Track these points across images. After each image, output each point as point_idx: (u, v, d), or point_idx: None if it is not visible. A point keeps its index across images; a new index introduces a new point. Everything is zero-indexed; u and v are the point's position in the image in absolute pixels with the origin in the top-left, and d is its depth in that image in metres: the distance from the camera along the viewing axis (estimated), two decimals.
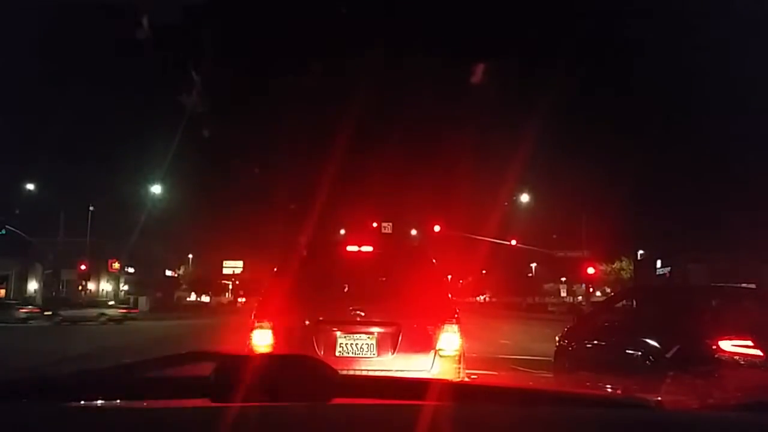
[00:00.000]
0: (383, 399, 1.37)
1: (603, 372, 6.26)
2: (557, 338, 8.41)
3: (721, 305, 6.85)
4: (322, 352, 4.76)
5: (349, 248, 5.67)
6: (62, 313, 30.71)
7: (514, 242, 37.15)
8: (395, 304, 5.05)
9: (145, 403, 1.42)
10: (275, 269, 5.86)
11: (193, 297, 63.11)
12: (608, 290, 40.69)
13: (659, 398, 1.51)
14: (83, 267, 36.08)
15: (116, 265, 44.91)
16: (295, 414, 1.24)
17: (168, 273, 59.34)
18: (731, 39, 31.07)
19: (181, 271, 62.40)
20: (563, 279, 54.90)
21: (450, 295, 5.78)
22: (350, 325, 4.92)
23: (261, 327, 4.98)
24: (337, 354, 4.83)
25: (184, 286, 61.89)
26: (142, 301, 45.58)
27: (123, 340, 18.69)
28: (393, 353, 4.83)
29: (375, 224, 37.62)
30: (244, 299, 59.75)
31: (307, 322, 4.94)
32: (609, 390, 1.99)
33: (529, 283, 61.42)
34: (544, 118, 33.34)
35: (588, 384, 2.52)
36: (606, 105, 44.03)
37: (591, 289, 39.17)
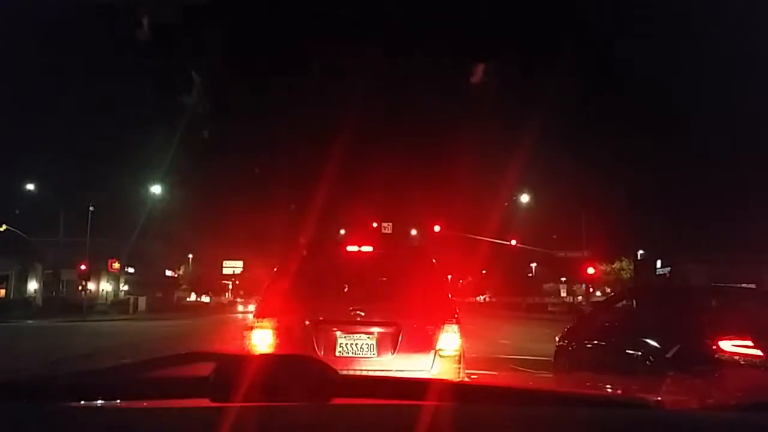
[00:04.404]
0: (383, 399, 1.37)
1: (603, 372, 6.26)
2: (557, 338, 8.41)
3: (721, 305, 6.85)
4: (322, 352, 4.76)
5: (349, 248, 5.67)
6: None
7: (514, 242, 37.12)
8: (395, 304, 5.05)
9: (145, 403, 1.42)
10: (275, 269, 5.86)
11: (193, 297, 63.12)
12: (608, 290, 40.66)
13: (659, 398, 1.51)
14: (83, 267, 36.07)
15: (116, 265, 44.87)
16: (295, 414, 1.24)
17: (168, 273, 59.31)
18: (731, 39, 31.07)
19: (181, 271, 62.38)
20: (563, 279, 54.83)
21: (450, 295, 5.78)
22: (350, 325, 4.92)
23: (261, 327, 4.98)
24: (337, 354, 4.83)
25: (184, 286, 61.88)
26: (142, 301, 45.55)
27: (123, 340, 18.69)
28: (393, 353, 4.83)
29: (375, 224, 37.56)
30: (243, 299, 59.74)
31: (307, 322, 4.94)
32: (609, 390, 1.99)
33: (529, 283, 61.34)
34: (544, 118, 33.40)
35: (588, 384, 2.52)
36: (606, 105, 44.08)
37: (591, 289, 39.13)
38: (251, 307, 46.22)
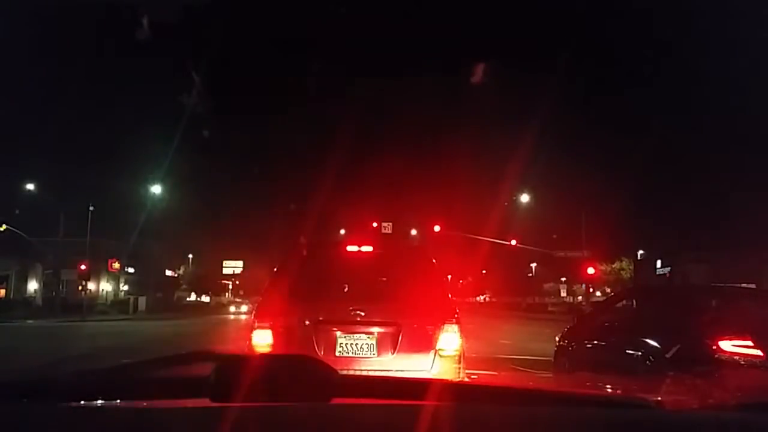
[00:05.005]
0: (383, 399, 1.37)
1: (603, 372, 6.25)
2: (557, 338, 8.41)
3: (721, 305, 6.84)
4: (322, 352, 4.76)
5: (349, 248, 5.66)
6: None
7: (514, 242, 37.14)
8: (395, 304, 5.05)
9: (145, 403, 1.42)
10: (275, 269, 5.86)
11: (193, 297, 63.14)
12: (608, 290, 40.66)
13: (659, 398, 1.51)
14: (83, 267, 36.06)
15: (116, 265, 44.89)
16: (295, 414, 1.24)
17: (168, 273, 59.32)
18: (731, 39, 31.08)
19: (181, 271, 62.43)
20: (563, 279, 54.85)
21: (450, 295, 5.78)
22: (350, 325, 4.92)
23: (261, 327, 4.98)
24: (337, 354, 4.83)
25: (184, 286, 61.93)
26: (142, 301, 45.58)
27: (123, 340, 18.69)
28: (393, 353, 4.83)
29: (375, 224, 37.61)
30: (242, 299, 59.74)
31: (307, 322, 4.94)
32: (609, 390, 1.99)
33: (529, 283, 61.36)
34: (544, 118, 33.35)
35: (588, 384, 2.52)
36: (606, 105, 44.06)
37: (591, 289, 39.14)
38: (244, 308, 45.97)
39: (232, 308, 51.50)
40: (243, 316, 36.68)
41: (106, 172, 44.57)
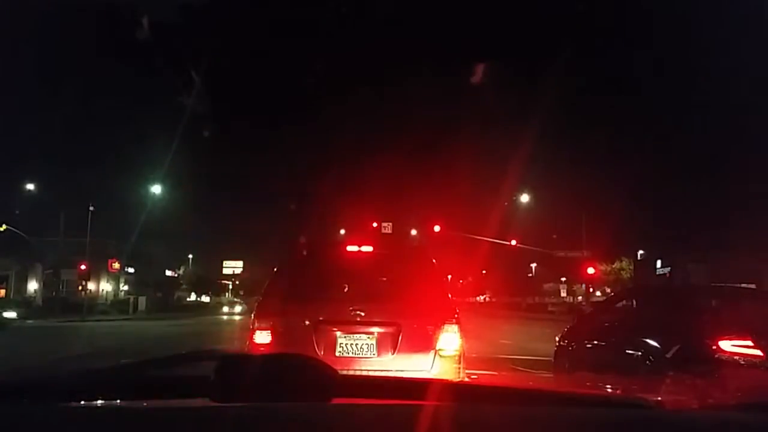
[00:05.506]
0: (383, 399, 1.37)
1: (603, 372, 6.26)
2: (557, 338, 8.42)
3: (721, 305, 6.85)
4: (322, 352, 4.76)
5: (349, 248, 5.67)
6: None
7: (514, 242, 37.12)
8: (395, 304, 5.05)
9: (145, 403, 1.42)
10: (275, 269, 5.87)
11: (193, 297, 63.19)
12: (608, 290, 40.65)
13: (659, 398, 1.51)
14: (83, 267, 36.08)
15: (116, 265, 44.85)
16: (295, 414, 1.24)
17: (168, 273, 59.35)
18: (731, 39, 31.09)
19: (181, 271, 62.46)
20: (563, 279, 54.84)
21: (450, 295, 5.78)
22: (350, 325, 4.92)
23: (261, 327, 4.98)
24: (337, 354, 4.83)
25: (184, 286, 61.97)
26: (142, 301, 45.59)
27: (123, 340, 18.70)
28: (393, 353, 4.83)
29: (375, 224, 37.53)
30: (241, 299, 59.77)
31: (307, 322, 4.94)
32: (609, 390, 1.99)
33: (529, 283, 61.37)
34: (544, 118, 33.26)
35: (588, 384, 2.52)
36: (606, 105, 44.02)
37: (591, 289, 39.13)
38: (237, 308, 45.91)
39: (225, 308, 51.39)
40: (237, 317, 36.75)
41: (106, 172, 44.60)
